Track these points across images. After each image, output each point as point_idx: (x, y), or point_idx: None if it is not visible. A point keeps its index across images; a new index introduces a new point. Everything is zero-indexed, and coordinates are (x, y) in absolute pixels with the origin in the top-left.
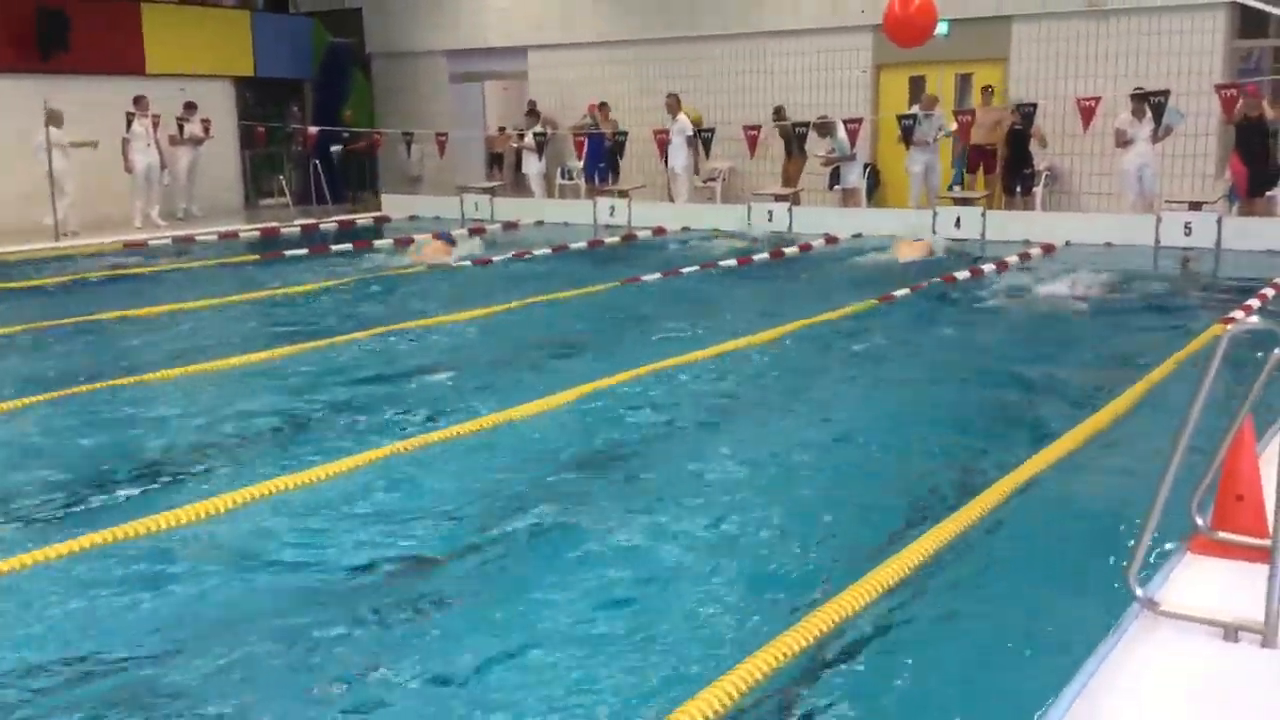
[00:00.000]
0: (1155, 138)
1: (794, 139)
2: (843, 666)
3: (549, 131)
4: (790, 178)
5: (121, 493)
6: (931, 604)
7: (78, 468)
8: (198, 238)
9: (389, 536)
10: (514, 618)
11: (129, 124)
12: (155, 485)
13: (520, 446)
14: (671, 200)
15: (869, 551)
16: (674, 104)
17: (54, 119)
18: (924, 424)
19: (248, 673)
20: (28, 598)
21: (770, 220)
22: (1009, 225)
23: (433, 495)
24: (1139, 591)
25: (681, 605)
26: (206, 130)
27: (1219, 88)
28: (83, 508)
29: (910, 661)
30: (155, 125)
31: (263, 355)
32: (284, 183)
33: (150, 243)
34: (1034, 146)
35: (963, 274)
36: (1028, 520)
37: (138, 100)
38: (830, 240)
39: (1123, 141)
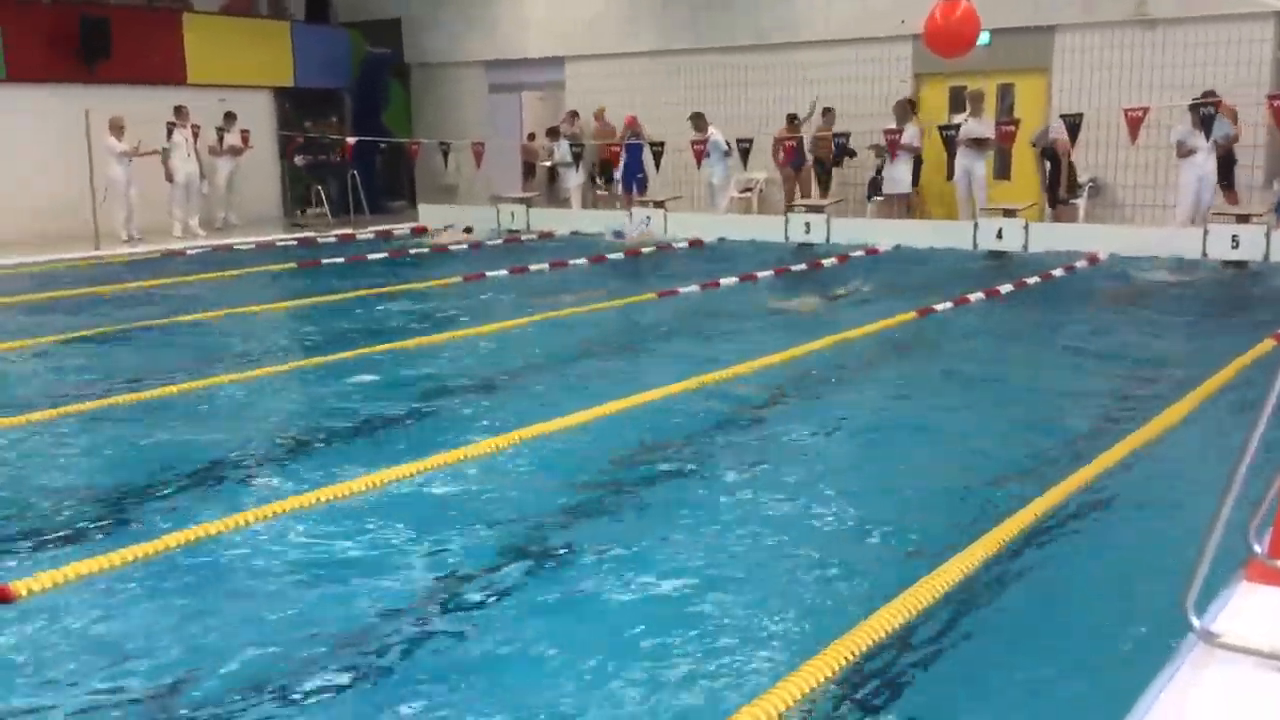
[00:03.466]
0: (1215, 149)
1: (826, 148)
2: (892, 683)
3: (581, 142)
4: (805, 186)
5: (175, 499)
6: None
7: (129, 473)
8: (236, 246)
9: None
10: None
11: (169, 133)
12: (210, 489)
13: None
14: (704, 211)
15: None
16: (701, 122)
17: (115, 129)
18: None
19: (309, 680)
20: (90, 606)
21: (808, 232)
22: (1052, 237)
23: (488, 503)
24: (1196, 622)
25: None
26: (245, 140)
27: (1271, 98)
28: (125, 518)
29: (964, 681)
30: (195, 135)
31: (289, 366)
32: (321, 193)
33: (189, 251)
34: (1075, 157)
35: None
36: (1070, 543)
37: (178, 110)
38: (871, 251)
39: (1185, 152)
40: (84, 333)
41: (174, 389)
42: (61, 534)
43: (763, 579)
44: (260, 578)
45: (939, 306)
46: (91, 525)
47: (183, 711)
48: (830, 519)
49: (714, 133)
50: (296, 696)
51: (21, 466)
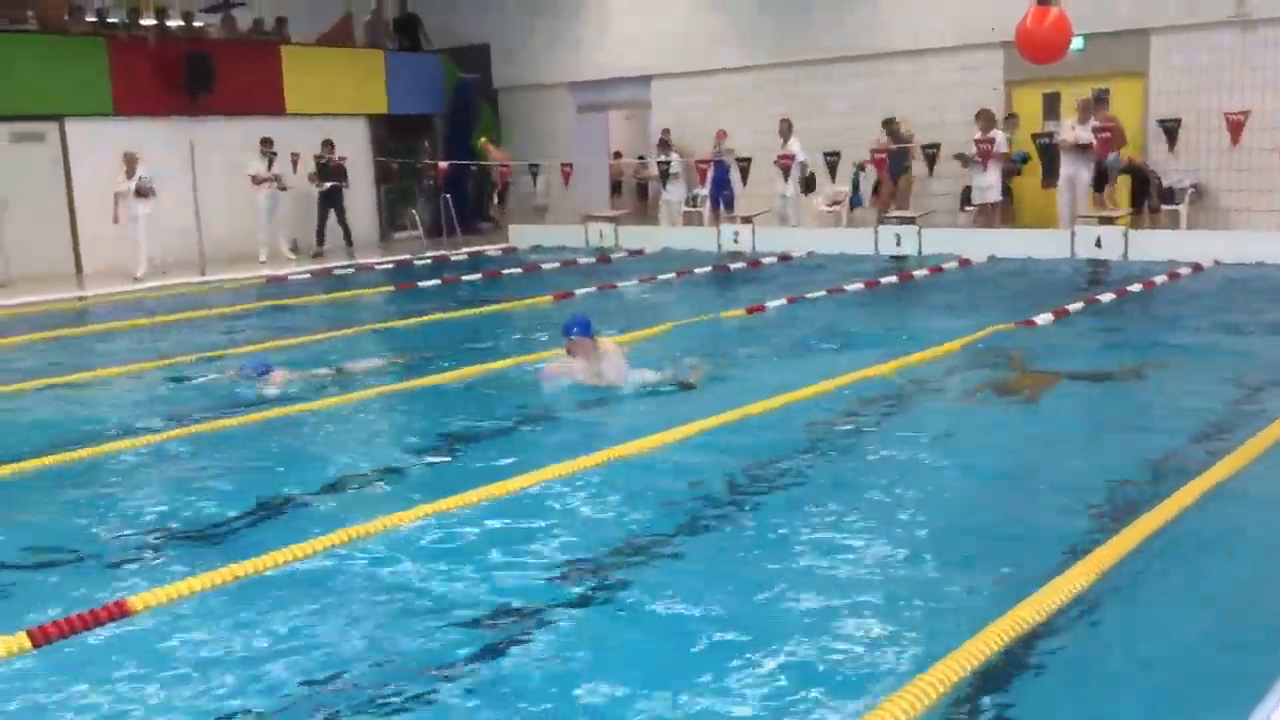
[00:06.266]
0: None
1: (913, 157)
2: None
3: (670, 160)
4: (901, 196)
5: (286, 516)
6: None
7: (239, 491)
8: (335, 271)
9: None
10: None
11: (269, 163)
12: (316, 507)
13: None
14: (785, 225)
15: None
16: (786, 128)
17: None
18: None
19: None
20: (203, 620)
21: (899, 244)
22: (1152, 245)
23: (583, 523)
24: None
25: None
26: (343, 168)
27: None
28: (238, 535)
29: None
30: (295, 163)
31: (400, 386)
32: (415, 216)
33: (290, 277)
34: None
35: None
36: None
37: (264, 141)
38: (963, 263)
39: None
40: (189, 357)
41: (291, 409)
42: (176, 551)
43: (859, 598)
44: (370, 593)
45: (1039, 318)
46: (205, 542)
47: None
48: (939, 532)
49: (794, 145)
50: (417, 704)
51: (140, 485)
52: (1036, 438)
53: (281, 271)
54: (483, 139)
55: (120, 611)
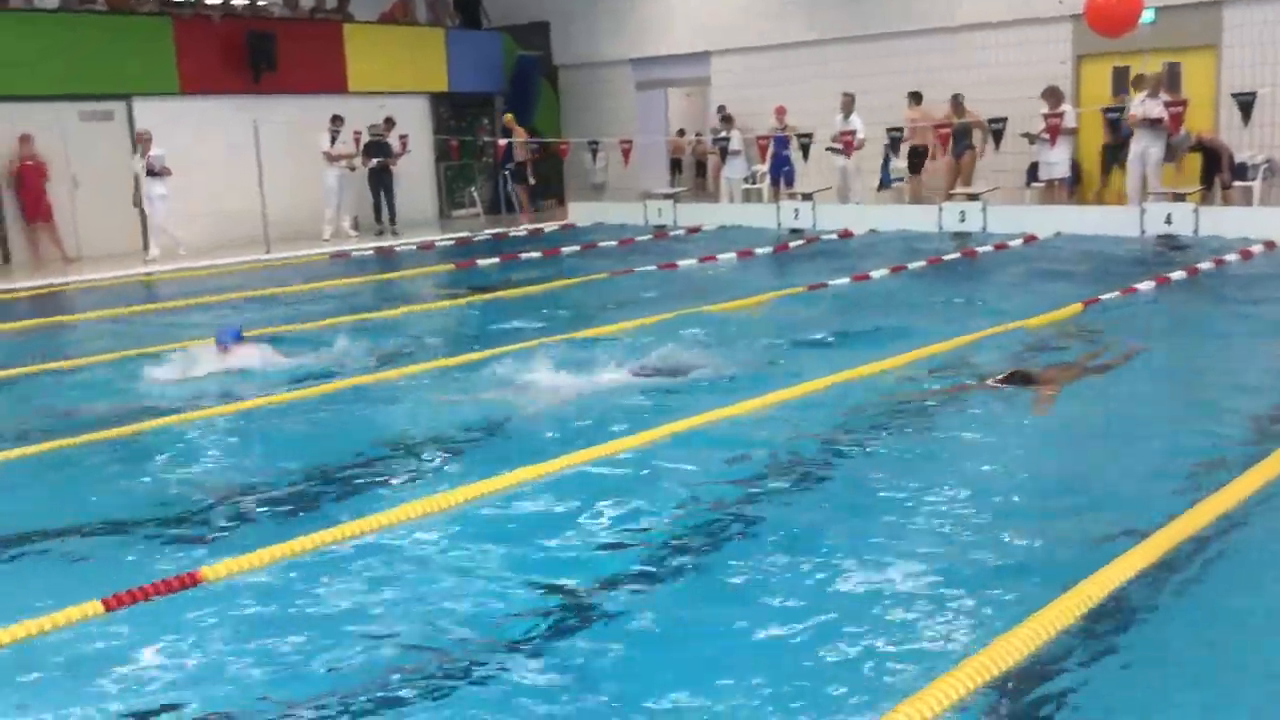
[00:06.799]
0: None
1: (979, 133)
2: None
3: (730, 136)
4: (964, 173)
5: (355, 488)
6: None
7: (309, 463)
8: (397, 249)
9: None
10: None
11: (332, 140)
12: (386, 480)
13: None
14: (844, 201)
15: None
16: (847, 104)
17: (143, 141)
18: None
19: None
20: (277, 588)
21: (963, 220)
22: (1224, 222)
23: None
24: None
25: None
26: (404, 145)
27: None
28: (307, 506)
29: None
30: (357, 141)
31: (457, 359)
32: (474, 194)
33: (353, 253)
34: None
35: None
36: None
37: (334, 119)
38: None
39: None
40: (257, 332)
41: (361, 380)
42: (249, 521)
43: (934, 569)
44: (454, 561)
45: (1106, 295)
46: (279, 512)
47: (369, 693)
48: (1018, 505)
49: (856, 121)
50: (500, 672)
51: (215, 456)
52: (1113, 413)
53: (344, 248)
54: (508, 115)
55: (192, 581)
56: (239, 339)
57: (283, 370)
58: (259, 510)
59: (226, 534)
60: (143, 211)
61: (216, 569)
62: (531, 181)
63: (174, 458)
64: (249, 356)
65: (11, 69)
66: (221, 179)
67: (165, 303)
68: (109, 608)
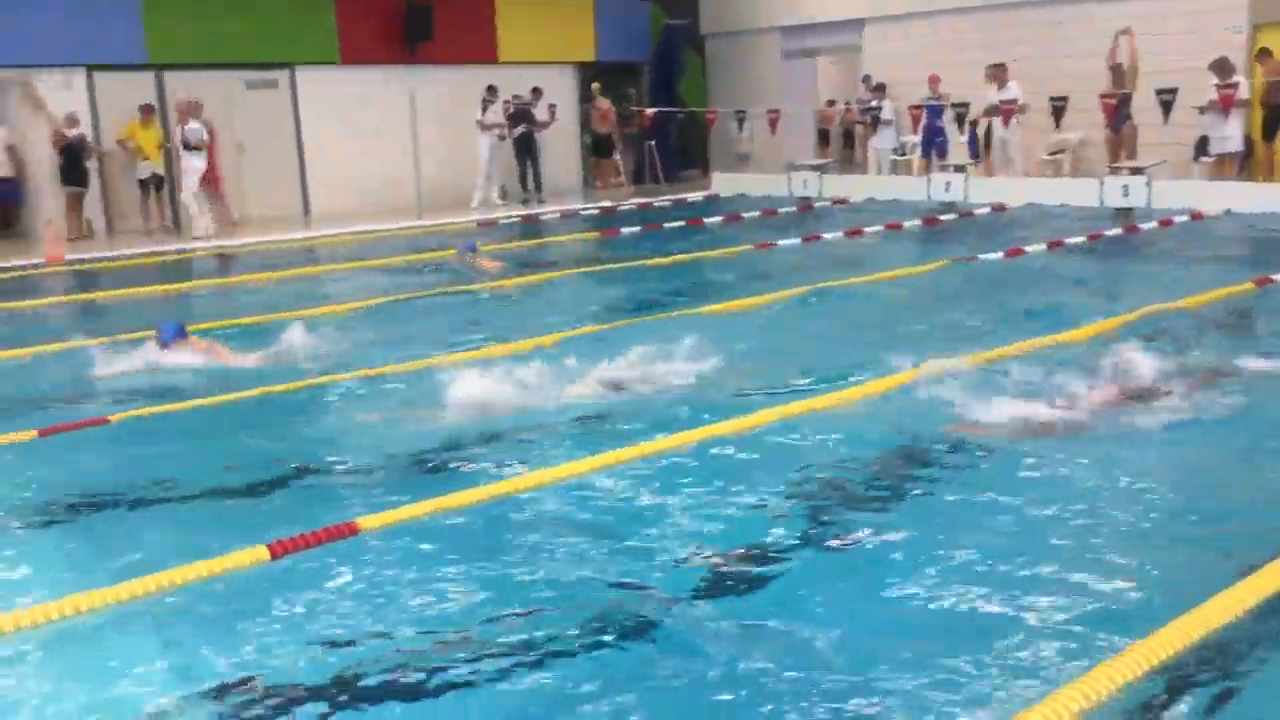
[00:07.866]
0: None
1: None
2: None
3: (880, 106)
4: (1127, 145)
5: (494, 451)
6: None
7: (450, 425)
8: (542, 217)
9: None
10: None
11: (483, 109)
12: (516, 447)
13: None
14: (991, 175)
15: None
16: (1000, 73)
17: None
18: None
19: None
20: (422, 543)
21: (1126, 195)
22: None
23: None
24: None
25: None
26: (552, 114)
27: None
28: (450, 467)
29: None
30: (506, 111)
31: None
32: (619, 163)
33: (500, 221)
34: None
35: None
36: None
37: (489, 89)
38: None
39: None
40: (407, 296)
41: (503, 348)
42: (401, 478)
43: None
44: (573, 529)
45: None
46: (426, 472)
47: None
48: (1154, 498)
49: (1014, 90)
50: (614, 638)
51: (361, 418)
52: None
53: (491, 216)
54: (595, 84)
55: (350, 531)
56: (181, 335)
57: (432, 336)
58: (412, 467)
59: (377, 489)
60: (304, 177)
61: (372, 520)
62: (617, 158)
63: (329, 415)
64: (191, 355)
65: (182, 40)
66: (377, 148)
67: (326, 265)
68: (274, 555)
